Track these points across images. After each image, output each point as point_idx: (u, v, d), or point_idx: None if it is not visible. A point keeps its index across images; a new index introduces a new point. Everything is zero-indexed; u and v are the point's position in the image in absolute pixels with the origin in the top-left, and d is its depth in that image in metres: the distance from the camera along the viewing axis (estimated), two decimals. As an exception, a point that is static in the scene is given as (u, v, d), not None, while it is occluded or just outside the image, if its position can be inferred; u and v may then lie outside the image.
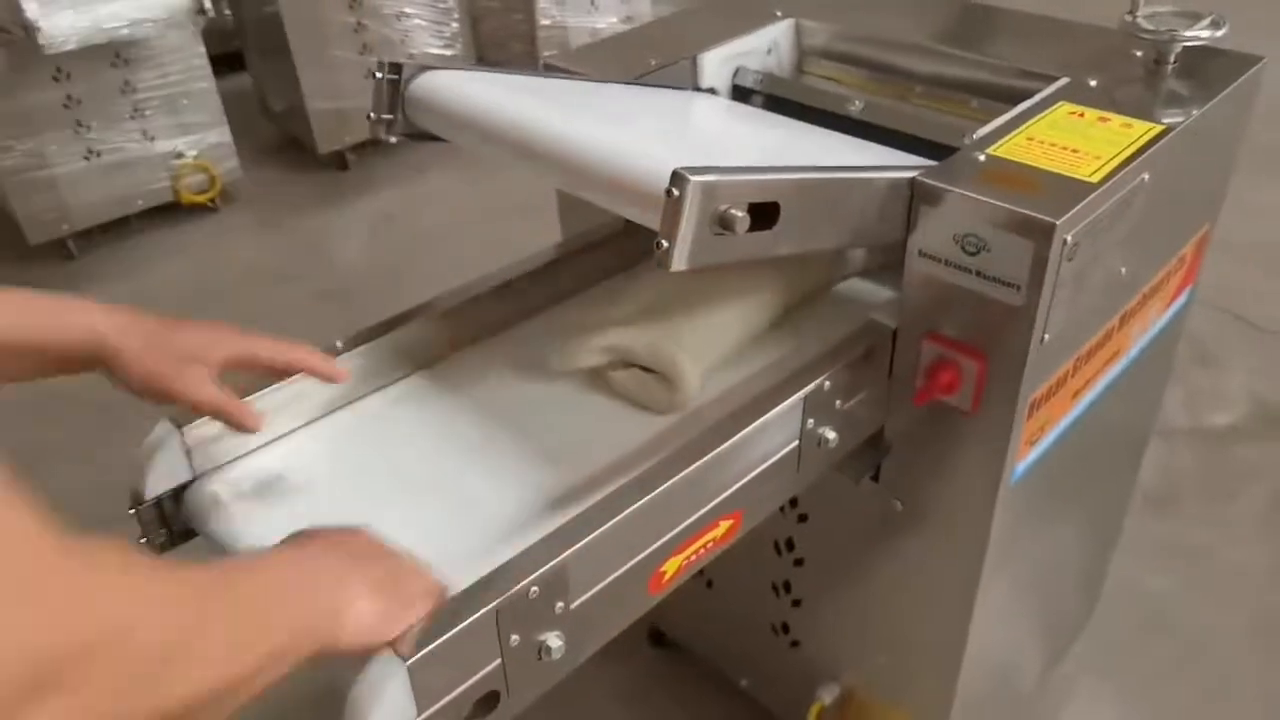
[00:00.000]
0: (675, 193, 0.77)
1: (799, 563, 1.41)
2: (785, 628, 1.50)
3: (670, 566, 0.94)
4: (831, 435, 1.06)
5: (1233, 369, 2.47)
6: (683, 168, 0.77)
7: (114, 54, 2.95)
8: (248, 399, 1.02)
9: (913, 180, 0.99)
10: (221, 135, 3.28)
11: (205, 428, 1.00)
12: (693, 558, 0.97)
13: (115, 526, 0.99)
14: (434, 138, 1.07)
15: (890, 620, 1.33)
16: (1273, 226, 2.98)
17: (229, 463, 1.02)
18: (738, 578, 1.51)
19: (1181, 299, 1.36)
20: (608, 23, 3.77)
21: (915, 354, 1.07)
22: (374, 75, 1.01)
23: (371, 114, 1.03)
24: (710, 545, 0.98)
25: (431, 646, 0.75)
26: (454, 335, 1.20)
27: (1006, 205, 0.93)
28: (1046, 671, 1.74)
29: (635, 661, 1.82)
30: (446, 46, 3.59)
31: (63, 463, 2.35)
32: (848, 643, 1.42)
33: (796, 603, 1.45)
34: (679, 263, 0.79)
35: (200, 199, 3.30)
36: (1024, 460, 1.12)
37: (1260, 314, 2.64)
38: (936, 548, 1.21)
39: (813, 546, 1.38)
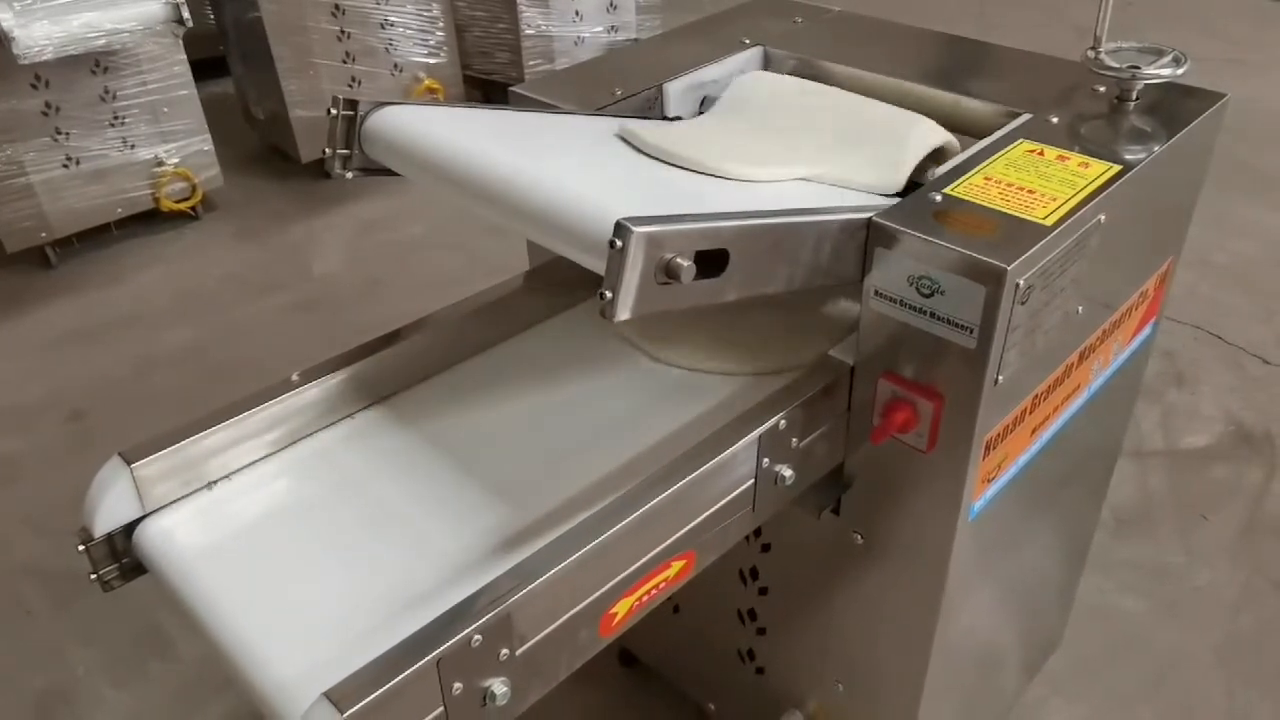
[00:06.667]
0: (618, 244, 0.76)
1: (763, 591, 1.41)
2: (751, 654, 1.50)
3: (621, 608, 0.94)
4: (788, 473, 1.05)
5: (1209, 389, 2.48)
6: (626, 218, 0.77)
7: (94, 62, 2.94)
8: (204, 433, 1.02)
9: (869, 221, 0.99)
10: (203, 143, 3.26)
11: (156, 464, 0.99)
12: (645, 599, 0.96)
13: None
14: (393, 173, 1.06)
15: (854, 649, 1.33)
16: (1252, 247, 2.98)
17: (180, 500, 1.02)
18: (703, 605, 1.51)
19: (1145, 331, 1.36)
20: (592, 32, 3.75)
21: (872, 392, 1.07)
22: (329, 112, 1.00)
23: (326, 149, 1.03)
24: (663, 586, 0.98)
25: (372, 697, 0.75)
26: (411, 369, 1.19)
27: (958, 249, 0.93)
28: (1016, 693, 1.74)
29: (605, 681, 1.82)
30: (431, 55, 3.57)
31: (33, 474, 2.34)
32: (812, 671, 1.42)
33: (761, 631, 1.45)
34: (622, 313, 0.78)
35: (181, 207, 3.28)
36: (981, 497, 1.12)
37: (1238, 334, 2.65)
38: (897, 579, 1.21)
39: (776, 576, 1.38)
